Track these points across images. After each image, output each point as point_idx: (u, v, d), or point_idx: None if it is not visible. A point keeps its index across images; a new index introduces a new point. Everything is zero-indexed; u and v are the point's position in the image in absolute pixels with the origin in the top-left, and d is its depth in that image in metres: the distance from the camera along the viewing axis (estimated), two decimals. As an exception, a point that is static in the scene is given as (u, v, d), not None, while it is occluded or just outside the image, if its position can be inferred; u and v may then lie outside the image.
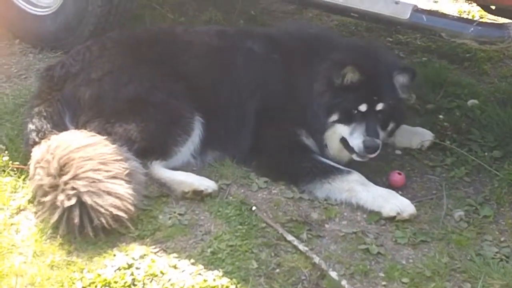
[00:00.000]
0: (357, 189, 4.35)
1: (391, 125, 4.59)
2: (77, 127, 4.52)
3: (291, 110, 4.61)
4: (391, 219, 4.21)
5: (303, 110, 4.57)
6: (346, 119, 4.46)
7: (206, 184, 4.35)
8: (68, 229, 3.97)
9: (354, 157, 4.49)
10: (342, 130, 4.48)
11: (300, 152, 4.60)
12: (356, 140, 4.40)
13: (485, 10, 5.83)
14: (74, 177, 4.05)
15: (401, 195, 4.38)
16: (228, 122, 4.71)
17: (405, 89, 4.58)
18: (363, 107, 4.42)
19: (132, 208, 4.03)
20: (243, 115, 4.69)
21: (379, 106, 4.45)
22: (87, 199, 3.96)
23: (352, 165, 4.56)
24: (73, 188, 4.01)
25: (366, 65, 4.47)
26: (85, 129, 4.46)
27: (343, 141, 4.50)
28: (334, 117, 4.48)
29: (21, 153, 4.58)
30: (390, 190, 4.37)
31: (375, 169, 4.73)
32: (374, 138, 4.38)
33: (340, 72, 4.42)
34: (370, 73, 4.45)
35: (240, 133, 4.69)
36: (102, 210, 3.94)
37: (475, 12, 6.88)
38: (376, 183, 4.45)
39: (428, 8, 5.49)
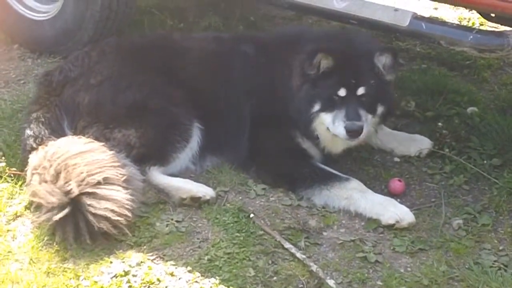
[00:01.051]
0: (356, 196, 4.33)
1: (380, 109, 4.50)
2: (75, 132, 4.52)
3: (281, 112, 4.58)
4: (390, 227, 4.19)
5: (288, 110, 4.53)
6: (328, 107, 4.39)
7: (204, 191, 4.34)
8: (64, 236, 3.96)
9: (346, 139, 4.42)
10: (325, 119, 4.42)
11: (299, 158, 4.59)
12: (338, 128, 4.33)
13: (485, 18, 5.83)
14: (71, 184, 4.03)
15: (399, 202, 4.36)
16: (226, 128, 4.70)
17: (389, 70, 4.49)
18: (342, 92, 4.35)
19: (129, 214, 4.02)
20: (240, 120, 4.69)
21: (361, 90, 4.38)
22: (84, 205, 3.95)
23: (351, 172, 4.54)
24: (69, 193, 3.99)
25: (339, 50, 4.41)
26: (84, 134, 4.45)
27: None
28: (317, 106, 4.42)
29: (18, 159, 4.58)
30: (389, 198, 4.35)
31: (374, 176, 4.73)
32: (355, 121, 4.30)
33: (312, 62, 4.36)
34: (344, 57, 4.39)
35: (238, 139, 4.68)
36: (99, 216, 3.93)
37: (475, 19, 6.86)
38: (374, 190, 4.44)
39: (428, 15, 5.49)
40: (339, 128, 4.32)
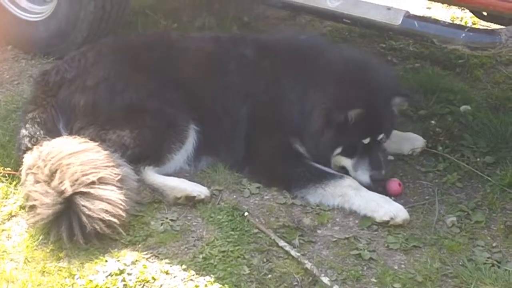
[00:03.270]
0: (350, 194, 4.34)
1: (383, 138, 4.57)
2: (71, 133, 4.52)
3: (281, 119, 4.58)
4: (384, 224, 4.21)
5: (294, 121, 4.52)
6: (350, 153, 4.45)
7: (198, 190, 4.35)
8: (58, 235, 3.96)
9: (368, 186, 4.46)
10: (344, 162, 4.49)
11: (293, 157, 4.58)
12: (362, 176, 4.41)
13: (477, 16, 5.87)
14: (65, 182, 4.04)
15: (393, 200, 4.37)
16: (222, 130, 4.70)
17: (400, 110, 4.63)
18: (367, 140, 4.41)
19: (123, 214, 4.02)
20: (236, 122, 4.68)
21: (381, 136, 4.46)
22: (78, 205, 3.96)
23: (344, 170, 4.55)
24: (63, 192, 4.00)
25: (368, 99, 4.36)
26: (79, 135, 4.45)
27: (345, 168, 4.51)
28: (338, 150, 4.45)
29: (12, 159, 4.58)
30: (383, 196, 4.36)
31: (368, 174, 4.73)
32: (380, 170, 4.42)
33: (343, 113, 4.30)
34: (372, 104, 4.36)
35: (234, 141, 4.68)
36: (93, 215, 3.93)
37: (468, 18, 6.88)
38: (368, 188, 4.44)
39: (421, 14, 5.50)
40: (363, 176, 4.41)
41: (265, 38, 5.11)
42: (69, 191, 3.99)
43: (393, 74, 4.81)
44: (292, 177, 4.50)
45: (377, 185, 4.42)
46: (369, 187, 4.40)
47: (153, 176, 4.44)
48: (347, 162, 4.48)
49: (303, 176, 4.47)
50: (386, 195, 4.43)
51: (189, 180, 4.49)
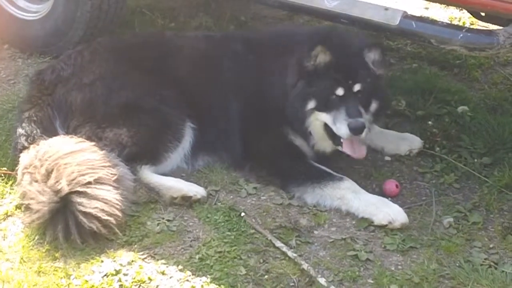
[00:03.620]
0: (349, 197, 4.32)
1: (373, 105, 4.52)
2: (67, 131, 4.51)
3: (272, 110, 4.58)
4: (382, 226, 4.20)
5: (282, 108, 4.52)
6: (324, 106, 4.40)
7: (195, 190, 4.34)
8: (54, 235, 3.95)
9: (340, 148, 4.44)
10: (323, 117, 4.43)
11: (293, 155, 4.59)
12: (341, 127, 4.33)
13: (475, 17, 5.86)
14: (62, 183, 4.02)
15: (390, 201, 4.36)
16: (218, 127, 4.71)
17: (379, 65, 4.53)
18: (340, 91, 4.37)
19: (119, 213, 4.01)
20: (230, 119, 4.70)
21: (357, 87, 4.40)
22: (74, 204, 3.95)
23: (341, 171, 4.54)
24: (59, 192, 3.99)
25: (335, 45, 4.44)
26: (76, 134, 4.45)
27: (327, 129, 4.46)
28: (311, 104, 4.43)
29: (8, 159, 4.57)
30: (381, 198, 4.35)
31: (365, 175, 4.73)
32: (357, 118, 4.31)
33: (310, 54, 4.38)
34: (340, 54, 4.42)
35: (230, 138, 4.69)
36: (89, 215, 3.92)
37: (466, 18, 6.88)
38: (365, 189, 4.43)
39: (418, 15, 5.50)
40: (342, 128, 4.32)
41: (252, 33, 5.32)
42: (66, 190, 3.98)
43: (362, 34, 4.79)
44: (291, 174, 4.50)
45: (357, 133, 4.32)
46: (350, 138, 4.35)
47: (149, 175, 4.43)
48: (326, 118, 4.41)
49: (301, 174, 4.47)
50: (383, 196, 4.42)
51: (186, 180, 4.48)
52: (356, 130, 4.30)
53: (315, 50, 4.36)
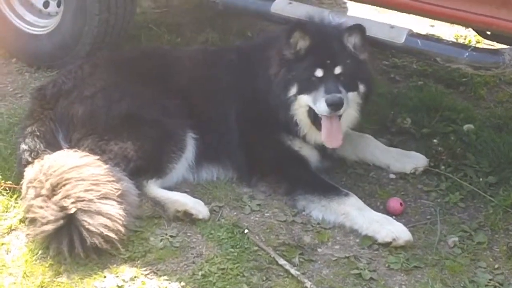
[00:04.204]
0: (354, 213, 4.32)
1: (361, 87, 4.57)
2: (70, 145, 4.53)
3: (266, 115, 4.63)
4: (386, 244, 4.18)
5: (271, 104, 4.58)
6: (306, 89, 4.46)
7: (198, 208, 4.34)
8: (58, 250, 3.95)
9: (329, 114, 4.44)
10: (305, 99, 4.47)
11: (296, 162, 4.64)
12: (320, 106, 4.37)
13: (481, 35, 5.85)
14: (66, 197, 4.04)
15: (394, 219, 4.34)
16: (218, 136, 4.74)
17: (360, 49, 4.57)
18: (319, 72, 4.43)
19: (122, 229, 4.01)
20: (229, 127, 4.73)
21: (338, 69, 4.45)
22: (78, 219, 3.95)
23: (346, 189, 4.52)
24: (64, 209, 3.99)
25: (313, 29, 4.53)
26: (79, 146, 4.47)
27: (311, 113, 4.49)
28: (293, 90, 4.49)
29: (14, 172, 4.57)
30: (385, 216, 4.33)
31: (369, 192, 4.72)
32: (334, 93, 4.34)
33: (290, 41, 4.47)
34: (319, 38, 4.50)
35: (231, 146, 4.72)
36: (93, 230, 3.92)
37: (472, 37, 6.88)
38: (370, 207, 4.41)
39: (424, 33, 5.50)
40: (321, 105, 4.37)
41: (245, 43, 5.51)
42: (71, 207, 3.98)
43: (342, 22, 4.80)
44: (298, 181, 4.54)
45: (335, 109, 4.35)
46: (330, 114, 4.38)
47: (155, 190, 4.44)
48: (307, 99, 4.46)
49: (309, 183, 4.52)
50: (387, 214, 4.41)
51: (190, 195, 4.47)
52: (333, 105, 4.34)
53: (294, 37, 4.45)
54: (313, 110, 4.45)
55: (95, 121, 4.53)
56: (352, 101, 4.53)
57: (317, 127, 4.50)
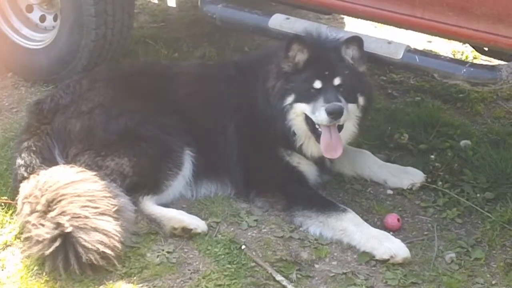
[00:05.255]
0: (351, 229, 4.30)
1: (360, 99, 4.57)
2: (66, 160, 4.50)
3: (263, 129, 4.63)
4: (384, 261, 4.16)
5: (269, 119, 4.58)
6: (304, 98, 4.46)
7: (196, 223, 4.32)
8: (53, 266, 3.92)
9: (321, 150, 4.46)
10: (303, 108, 4.47)
11: (294, 177, 4.64)
12: (320, 115, 4.35)
13: (478, 51, 5.86)
14: (62, 213, 4.02)
15: (392, 235, 4.33)
16: (217, 152, 4.73)
17: (359, 61, 4.58)
18: (317, 84, 4.43)
19: (119, 245, 3.99)
20: (228, 143, 4.72)
21: (337, 81, 4.45)
22: (74, 235, 3.92)
23: (343, 204, 4.51)
24: (60, 225, 3.96)
25: (311, 42, 4.54)
26: (75, 162, 4.44)
27: (308, 121, 4.48)
28: (290, 99, 4.49)
29: (9, 188, 4.56)
30: (384, 232, 4.32)
31: (367, 208, 4.71)
32: (334, 102, 4.34)
33: (288, 54, 4.48)
34: (317, 50, 4.51)
35: (230, 162, 4.71)
36: (89, 246, 3.89)
37: (469, 52, 6.89)
38: (367, 223, 4.39)
39: (421, 48, 5.51)
40: (321, 115, 4.35)
41: (242, 57, 5.53)
42: (67, 226, 3.95)
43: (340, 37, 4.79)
44: (296, 197, 4.52)
45: (335, 118, 4.34)
46: (329, 123, 4.37)
47: (151, 206, 4.41)
48: (305, 108, 4.45)
49: (307, 199, 4.50)
50: (384, 229, 4.39)
51: (187, 211, 4.46)
52: (334, 114, 4.33)
53: (292, 50, 4.47)
54: (311, 119, 4.44)
55: (92, 136, 4.51)
56: (351, 113, 4.53)
57: (316, 139, 4.49)
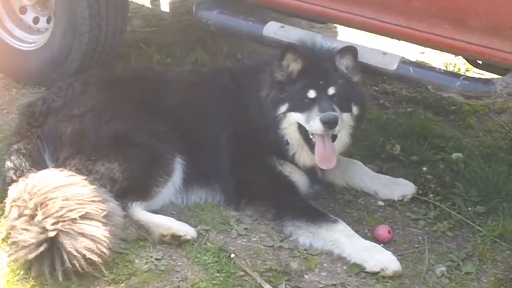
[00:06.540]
0: (342, 240, 4.27)
1: (354, 108, 4.57)
2: (56, 164, 4.47)
3: (256, 138, 4.61)
4: (374, 273, 4.13)
5: (261, 128, 4.57)
6: (298, 108, 4.45)
7: (185, 229, 4.28)
8: (39, 271, 3.87)
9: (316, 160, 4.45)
10: (297, 117, 4.46)
11: (286, 187, 4.61)
12: (315, 124, 4.34)
13: (471, 64, 5.85)
14: (49, 217, 3.96)
15: (382, 247, 4.30)
16: (208, 160, 4.70)
17: (353, 71, 4.59)
18: (311, 94, 4.42)
19: (106, 251, 3.94)
20: (219, 151, 4.69)
21: (331, 90, 4.45)
22: (60, 240, 3.87)
23: (333, 215, 4.48)
24: (47, 229, 3.91)
25: (305, 52, 4.54)
26: (65, 166, 4.40)
27: (302, 131, 4.47)
28: (283, 108, 4.48)
29: (-3, 191, 4.50)
30: (374, 244, 4.30)
31: (357, 219, 4.69)
32: (329, 111, 4.32)
33: (282, 64, 4.48)
34: (311, 59, 4.51)
35: (221, 170, 4.68)
36: (75, 252, 3.84)
37: (461, 65, 6.89)
38: (357, 234, 4.36)
39: (415, 60, 5.50)
40: (315, 124, 4.34)
41: (237, 66, 5.55)
42: (51, 228, 3.90)
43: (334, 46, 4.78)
44: (286, 206, 4.49)
45: (330, 127, 4.32)
46: (324, 133, 4.36)
47: (140, 212, 4.37)
48: (299, 117, 4.44)
49: (297, 209, 4.47)
50: (375, 241, 4.37)
51: (176, 218, 4.42)
52: (328, 123, 4.31)
53: (286, 59, 4.46)
54: (304, 129, 4.43)
55: (83, 140, 4.48)
56: (345, 122, 4.52)
57: (310, 149, 4.47)
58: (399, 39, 5.02)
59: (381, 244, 4.36)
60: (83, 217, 4.01)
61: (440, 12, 4.43)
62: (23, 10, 6.04)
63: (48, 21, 5.95)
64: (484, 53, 4.39)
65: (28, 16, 6.04)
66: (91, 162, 4.42)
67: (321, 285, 4.05)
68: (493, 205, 4.79)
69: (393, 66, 4.63)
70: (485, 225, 4.61)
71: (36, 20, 6.04)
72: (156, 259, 4.11)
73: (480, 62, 4.99)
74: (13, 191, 4.25)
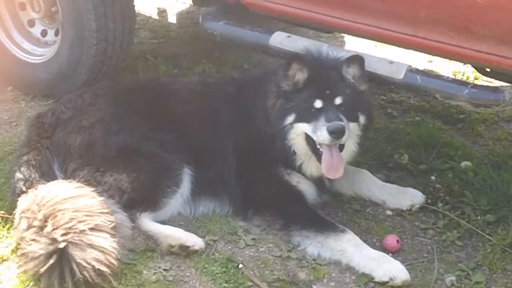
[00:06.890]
0: (350, 250, 4.25)
1: (361, 118, 4.56)
2: (66, 175, 4.48)
3: (262, 148, 4.60)
4: (383, 283, 4.11)
5: (267, 138, 4.56)
6: (304, 118, 4.44)
7: (193, 240, 4.29)
8: (49, 282, 3.87)
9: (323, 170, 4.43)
10: (304, 127, 4.45)
11: (293, 197, 4.60)
12: (321, 134, 4.33)
13: (480, 72, 5.83)
14: (59, 228, 3.97)
15: (391, 256, 4.28)
16: (216, 170, 4.70)
17: (359, 81, 4.57)
18: (318, 104, 4.41)
19: (115, 262, 3.94)
20: (227, 161, 4.69)
21: (338, 100, 4.43)
22: (70, 252, 3.88)
23: (342, 225, 4.47)
24: (56, 240, 3.92)
25: (311, 61, 4.53)
26: (74, 177, 4.41)
27: (309, 141, 4.46)
28: (290, 118, 4.47)
29: (7, 202, 4.53)
30: (383, 254, 4.27)
31: (366, 229, 4.67)
32: (336, 121, 4.31)
33: (288, 73, 4.48)
34: (317, 69, 4.50)
35: (229, 180, 4.68)
36: (84, 263, 3.85)
37: (470, 73, 6.88)
38: (366, 243, 4.34)
39: (422, 68, 5.49)
40: (322, 134, 4.32)
41: (244, 75, 5.55)
42: (61, 239, 3.91)
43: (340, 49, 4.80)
44: (294, 216, 4.48)
45: (337, 137, 4.30)
46: (331, 143, 4.34)
47: (148, 223, 4.38)
48: (306, 127, 4.43)
49: (305, 219, 4.46)
50: (383, 251, 4.36)
51: (184, 229, 4.42)
52: (336, 133, 4.30)
53: (292, 69, 4.45)
54: (312, 139, 4.42)
55: (92, 152, 4.50)
56: (352, 132, 4.51)
57: (317, 159, 4.46)
58: (407, 48, 5.02)
59: (390, 254, 4.34)
60: (92, 229, 4.01)
61: (448, 21, 4.42)
62: (31, 23, 6.09)
63: (56, 34, 5.99)
64: (492, 60, 4.39)
65: (36, 29, 6.09)
66: (100, 173, 4.44)
67: (330, 295, 4.04)
68: (502, 214, 4.75)
69: (400, 75, 4.63)
70: (495, 234, 4.57)
71: (44, 33, 6.08)
72: (164, 269, 4.11)
73: (489, 70, 4.98)
74: (23, 202, 4.26)
